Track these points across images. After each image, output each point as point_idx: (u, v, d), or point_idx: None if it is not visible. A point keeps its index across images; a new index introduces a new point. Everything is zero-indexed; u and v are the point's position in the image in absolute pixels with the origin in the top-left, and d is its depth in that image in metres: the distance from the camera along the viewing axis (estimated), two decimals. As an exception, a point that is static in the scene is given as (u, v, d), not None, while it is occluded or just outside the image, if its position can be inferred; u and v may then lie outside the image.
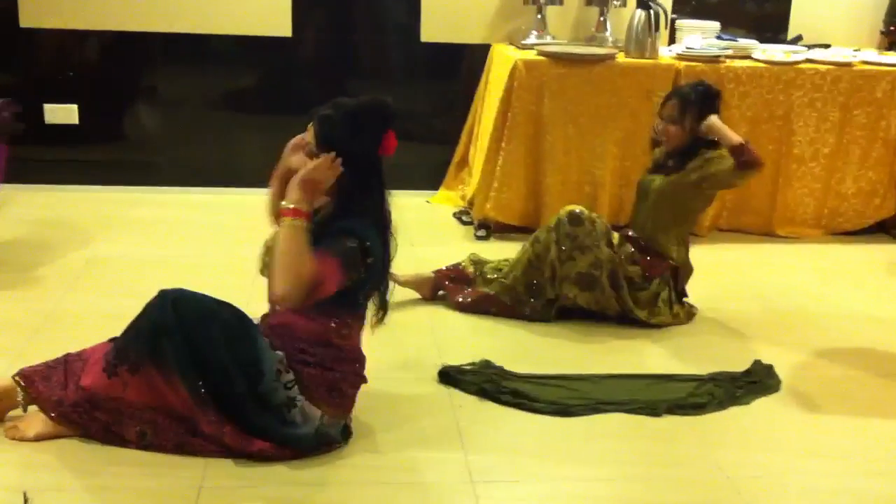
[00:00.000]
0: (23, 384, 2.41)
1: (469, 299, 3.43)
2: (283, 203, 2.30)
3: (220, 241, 4.10)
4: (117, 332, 2.43)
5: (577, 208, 3.32)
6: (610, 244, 3.30)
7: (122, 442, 2.39)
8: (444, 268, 3.54)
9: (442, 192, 4.91)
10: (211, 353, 2.31)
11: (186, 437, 2.37)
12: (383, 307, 2.51)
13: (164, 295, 2.37)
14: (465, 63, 4.93)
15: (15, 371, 2.44)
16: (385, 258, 2.44)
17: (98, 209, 4.50)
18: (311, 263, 2.23)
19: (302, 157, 2.40)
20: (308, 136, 2.39)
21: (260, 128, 4.90)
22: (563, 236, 3.26)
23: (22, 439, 2.40)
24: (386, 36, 4.98)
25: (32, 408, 2.43)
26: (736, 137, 3.26)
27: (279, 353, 2.38)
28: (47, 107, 4.71)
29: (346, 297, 2.36)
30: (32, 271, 3.66)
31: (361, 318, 2.49)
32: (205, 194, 4.83)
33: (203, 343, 2.31)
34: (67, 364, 2.43)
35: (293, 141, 2.49)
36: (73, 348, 2.50)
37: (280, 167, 2.50)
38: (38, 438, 2.40)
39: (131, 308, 2.44)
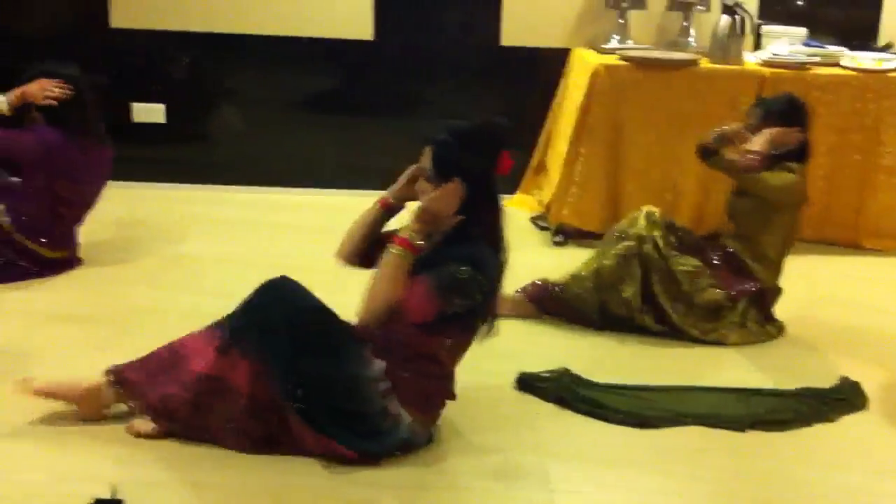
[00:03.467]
0: (114, 380, 2.47)
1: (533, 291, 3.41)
2: (400, 231, 2.37)
3: (300, 241, 4.16)
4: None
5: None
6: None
7: (206, 432, 2.42)
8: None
9: (518, 196, 4.90)
10: (312, 358, 2.34)
11: (275, 431, 2.39)
12: (492, 319, 2.50)
13: (275, 290, 2.41)
14: (543, 67, 4.91)
15: (106, 366, 2.50)
16: (499, 280, 2.45)
17: (182, 207, 4.61)
18: (401, 293, 2.31)
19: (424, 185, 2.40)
20: (424, 161, 2.40)
21: (340, 130, 4.96)
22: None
23: (137, 435, 2.46)
24: (466, 39, 4.99)
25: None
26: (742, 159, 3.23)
27: (381, 362, 2.39)
28: (135, 105, 4.84)
29: (464, 319, 2.39)
30: (118, 267, 3.77)
31: (471, 341, 2.49)
32: (285, 194, 4.91)
33: (306, 348, 2.34)
34: (159, 357, 2.47)
35: (412, 170, 2.49)
36: (157, 344, 2.55)
37: (407, 173, 2.50)
38: (145, 435, 2.45)
39: (213, 306, 2.52)
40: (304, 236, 4.24)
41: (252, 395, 2.36)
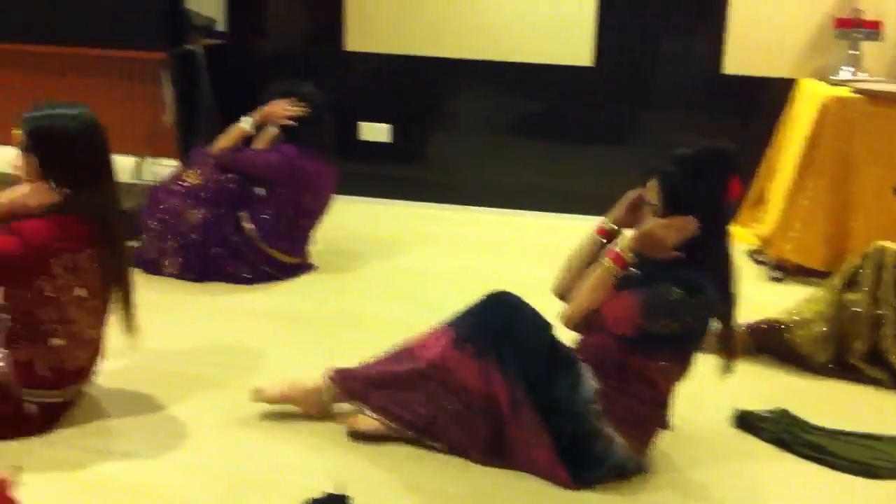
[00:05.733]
0: (336, 380, 2.61)
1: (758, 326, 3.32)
2: (613, 245, 2.42)
3: (513, 260, 4.26)
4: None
5: None
6: None
7: (433, 423, 2.50)
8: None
9: (735, 229, 4.77)
10: (535, 375, 2.40)
11: (496, 434, 2.45)
12: (731, 355, 2.49)
13: (504, 302, 2.49)
14: (766, 97, 4.79)
15: (326, 370, 2.66)
16: (723, 311, 2.42)
17: (404, 223, 4.82)
18: (600, 302, 2.38)
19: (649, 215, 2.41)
20: (649, 193, 2.40)
21: (555, 154, 5.03)
22: None
23: (358, 433, 2.58)
24: (687, 67, 4.94)
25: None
26: None
27: (595, 383, 2.42)
28: (362, 125, 5.10)
29: (677, 342, 2.38)
30: (345, 275, 3.98)
31: (687, 367, 2.47)
32: (500, 214, 5.04)
33: (530, 362, 2.40)
34: (385, 357, 2.60)
35: (632, 197, 2.49)
36: (369, 351, 2.68)
37: (628, 199, 2.51)
38: (367, 433, 2.57)
39: (433, 318, 2.62)
40: (518, 256, 4.34)
41: (480, 392, 2.42)
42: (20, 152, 2.47)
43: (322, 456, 2.53)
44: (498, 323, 2.44)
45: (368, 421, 2.58)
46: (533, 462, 2.43)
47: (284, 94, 3.81)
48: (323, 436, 2.61)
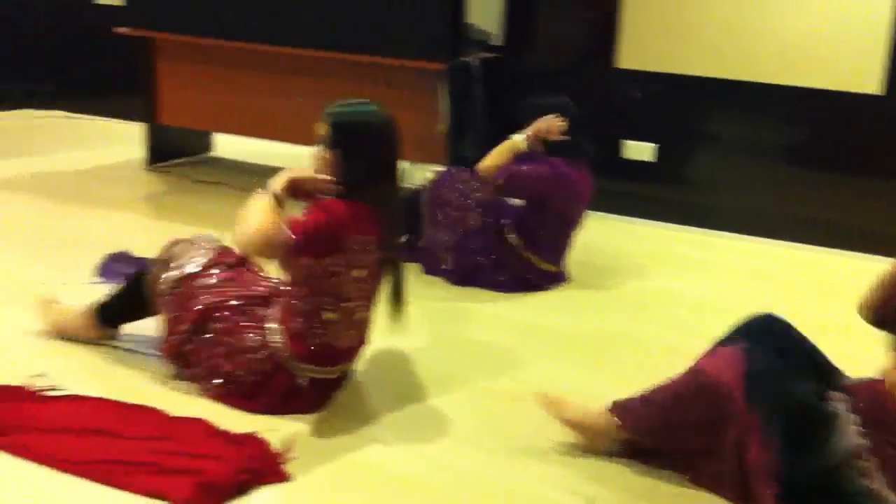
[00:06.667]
0: (617, 415, 2.52)
1: None
2: None
3: (778, 292, 4.08)
4: (678, 367, 2.50)
5: None
6: None
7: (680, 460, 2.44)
8: None
9: None
10: (794, 418, 2.28)
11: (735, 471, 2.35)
12: None
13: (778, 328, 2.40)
14: None
15: (592, 391, 2.65)
16: None
17: (662, 244, 4.75)
18: None
19: None
20: None
21: (827, 184, 4.77)
22: None
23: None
24: None
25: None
26: None
27: (863, 441, 2.23)
28: (627, 143, 5.07)
29: None
30: (601, 292, 3.97)
31: None
32: (762, 243, 4.84)
33: (784, 405, 2.28)
34: (667, 391, 2.48)
35: None
36: (637, 374, 2.62)
37: None
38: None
39: (692, 346, 2.54)
40: (782, 288, 4.15)
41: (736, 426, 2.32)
42: (321, 147, 2.64)
43: (569, 472, 2.52)
44: (774, 353, 2.32)
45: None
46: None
47: (545, 109, 3.85)
48: (575, 452, 2.60)
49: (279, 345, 2.66)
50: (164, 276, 2.83)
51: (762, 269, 4.45)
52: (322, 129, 2.62)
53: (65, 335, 3.04)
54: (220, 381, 2.70)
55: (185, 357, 2.78)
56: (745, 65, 4.78)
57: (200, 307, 2.73)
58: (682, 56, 4.88)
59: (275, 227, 2.50)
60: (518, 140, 3.84)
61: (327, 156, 2.62)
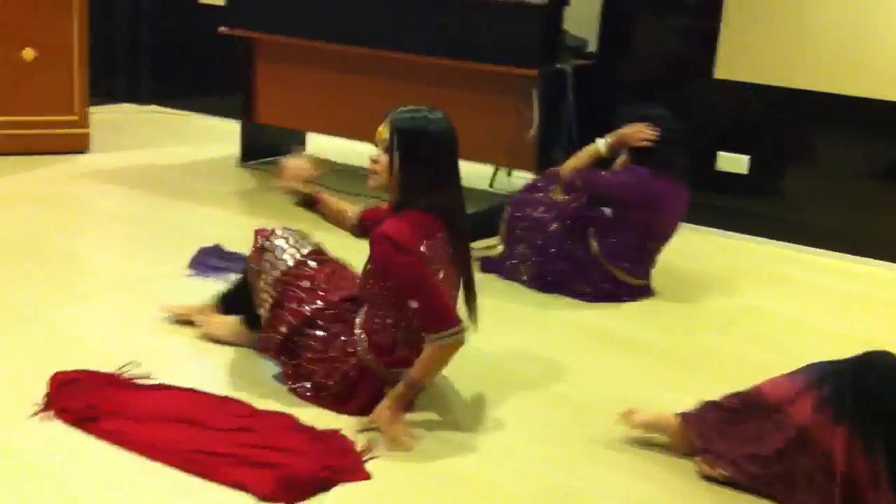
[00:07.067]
0: (685, 425, 2.55)
1: None
2: None
3: (875, 315, 3.95)
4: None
5: None
6: None
7: (780, 481, 2.38)
8: None
9: None
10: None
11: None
12: None
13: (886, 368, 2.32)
14: None
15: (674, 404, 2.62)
16: None
17: (753, 259, 4.64)
18: None
19: None
20: None
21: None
22: None
23: (704, 477, 2.50)
24: None
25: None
26: None
27: None
28: (721, 154, 4.96)
29: None
30: (688, 306, 3.90)
31: None
32: (858, 263, 4.68)
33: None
34: (734, 405, 2.49)
35: None
36: (724, 391, 2.58)
37: None
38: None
39: (777, 365, 2.49)
40: (879, 311, 4.02)
41: (841, 459, 2.25)
42: (382, 150, 2.63)
43: (661, 487, 2.49)
44: (868, 389, 2.25)
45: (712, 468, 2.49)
46: None
47: (638, 118, 3.80)
48: (667, 467, 2.57)
49: (367, 354, 2.67)
50: (262, 274, 2.85)
51: (857, 291, 4.30)
52: (384, 132, 2.62)
53: (220, 342, 3.07)
54: (309, 385, 2.74)
55: (278, 354, 2.82)
56: (847, 78, 4.63)
57: (299, 315, 2.75)
58: (782, 67, 4.75)
59: None
60: (599, 144, 3.81)
61: (388, 161, 2.61)
